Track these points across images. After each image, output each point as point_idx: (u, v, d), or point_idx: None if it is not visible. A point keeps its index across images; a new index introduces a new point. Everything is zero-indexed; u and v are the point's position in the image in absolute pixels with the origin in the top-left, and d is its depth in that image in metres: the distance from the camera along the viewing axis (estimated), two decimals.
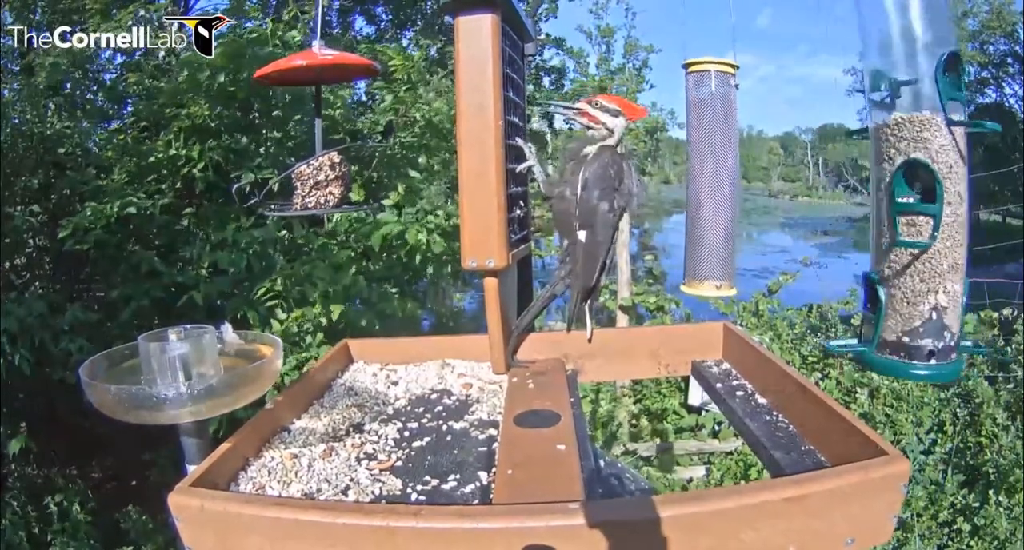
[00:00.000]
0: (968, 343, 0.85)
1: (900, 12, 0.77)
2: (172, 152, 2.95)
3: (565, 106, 1.02)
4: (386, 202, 2.93)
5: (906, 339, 0.82)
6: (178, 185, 3.03)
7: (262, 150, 3.16)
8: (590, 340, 1.07)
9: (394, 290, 3.15)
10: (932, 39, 0.77)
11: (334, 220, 2.98)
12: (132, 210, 2.79)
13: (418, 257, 2.93)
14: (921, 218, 0.79)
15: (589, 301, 1.03)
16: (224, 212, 3.05)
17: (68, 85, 3.41)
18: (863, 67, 0.82)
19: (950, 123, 0.76)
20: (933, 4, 0.77)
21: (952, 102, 0.76)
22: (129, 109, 3.57)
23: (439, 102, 3.54)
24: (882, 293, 0.84)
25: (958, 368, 0.83)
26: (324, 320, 2.62)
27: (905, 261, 0.82)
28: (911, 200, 0.80)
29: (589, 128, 0.98)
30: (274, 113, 3.23)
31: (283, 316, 2.63)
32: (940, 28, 0.78)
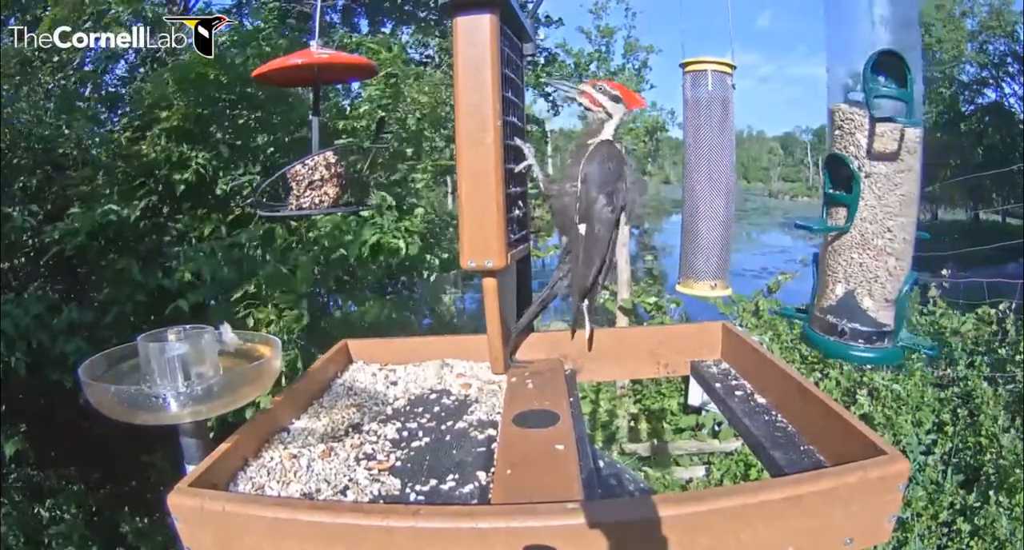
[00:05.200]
0: (915, 338, 0.88)
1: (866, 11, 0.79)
2: (153, 155, 2.94)
3: (568, 85, 1.01)
4: (364, 213, 2.91)
5: (827, 317, 0.87)
6: (160, 188, 3.02)
7: (249, 154, 3.15)
8: (590, 344, 1.06)
9: (357, 292, 3.15)
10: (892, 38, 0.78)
11: (319, 229, 2.94)
12: (112, 217, 2.78)
13: (394, 261, 2.93)
14: (841, 208, 0.84)
15: (587, 302, 1.01)
16: (203, 217, 3.04)
17: (68, 84, 3.41)
18: (827, 64, 0.84)
19: (874, 120, 0.78)
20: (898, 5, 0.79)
21: (884, 100, 0.78)
22: (121, 111, 3.57)
23: (424, 96, 3.53)
24: (815, 272, 0.90)
25: (892, 355, 0.85)
26: (292, 327, 2.61)
27: (832, 244, 0.86)
28: (833, 191, 0.85)
29: (588, 110, 0.98)
30: (256, 114, 3.21)
31: (260, 316, 2.62)
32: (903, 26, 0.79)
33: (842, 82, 0.83)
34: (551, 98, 7.34)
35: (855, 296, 0.84)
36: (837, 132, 0.83)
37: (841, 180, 0.83)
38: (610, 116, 0.97)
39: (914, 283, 0.83)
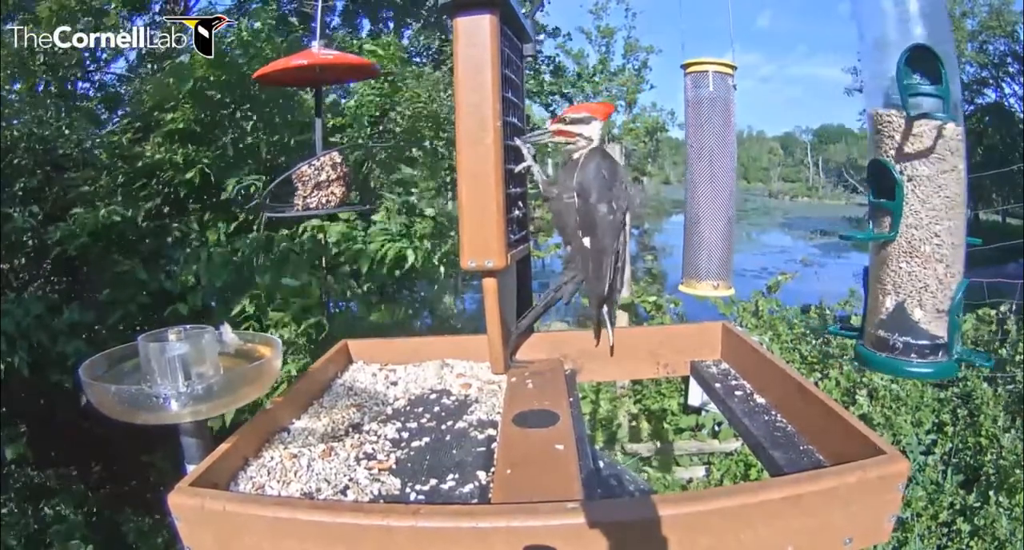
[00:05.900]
0: (962, 348, 0.85)
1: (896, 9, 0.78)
2: (158, 156, 2.94)
3: (539, 134, 1.01)
4: (375, 218, 2.89)
5: (878, 332, 0.84)
6: (162, 188, 3.02)
7: (253, 155, 3.15)
8: (612, 348, 1.06)
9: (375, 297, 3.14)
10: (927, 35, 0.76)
11: (325, 232, 2.93)
12: (116, 218, 2.78)
13: (403, 269, 2.91)
14: (886, 216, 0.81)
15: (606, 307, 1.01)
16: (207, 220, 3.04)
17: (69, 85, 3.41)
18: (862, 67, 0.83)
19: (911, 119, 0.76)
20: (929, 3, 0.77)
21: (921, 98, 0.76)
22: (120, 112, 3.57)
23: (420, 90, 3.52)
24: (864, 287, 0.87)
25: (947, 369, 0.82)
26: (302, 337, 2.63)
27: (879, 254, 0.83)
28: (876, 198, 0.82)
29: (569, 144, 0.98)
30: (262, 111, 3.21)
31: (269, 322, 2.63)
32: (937, 25, 0.77)
33: (879, 85, 0.80)
34: (551, 108, 7.37)
35: (905, 308, 0.81)
36: (877, 137, 0.81)
37: (885, 187, 0.80)
38: (590, 139, 0.97)
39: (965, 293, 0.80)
